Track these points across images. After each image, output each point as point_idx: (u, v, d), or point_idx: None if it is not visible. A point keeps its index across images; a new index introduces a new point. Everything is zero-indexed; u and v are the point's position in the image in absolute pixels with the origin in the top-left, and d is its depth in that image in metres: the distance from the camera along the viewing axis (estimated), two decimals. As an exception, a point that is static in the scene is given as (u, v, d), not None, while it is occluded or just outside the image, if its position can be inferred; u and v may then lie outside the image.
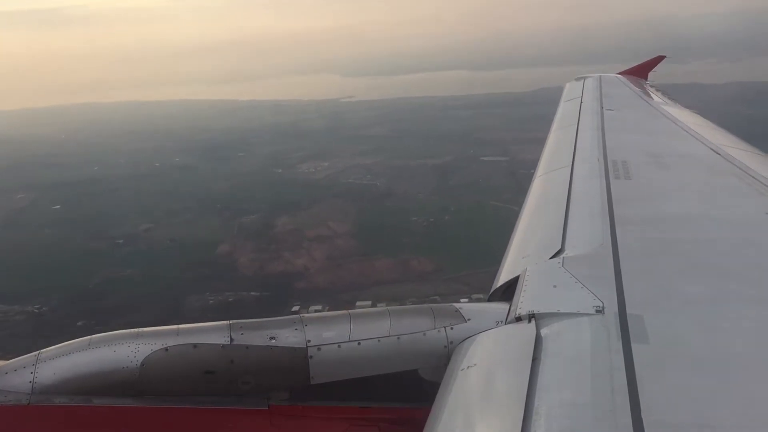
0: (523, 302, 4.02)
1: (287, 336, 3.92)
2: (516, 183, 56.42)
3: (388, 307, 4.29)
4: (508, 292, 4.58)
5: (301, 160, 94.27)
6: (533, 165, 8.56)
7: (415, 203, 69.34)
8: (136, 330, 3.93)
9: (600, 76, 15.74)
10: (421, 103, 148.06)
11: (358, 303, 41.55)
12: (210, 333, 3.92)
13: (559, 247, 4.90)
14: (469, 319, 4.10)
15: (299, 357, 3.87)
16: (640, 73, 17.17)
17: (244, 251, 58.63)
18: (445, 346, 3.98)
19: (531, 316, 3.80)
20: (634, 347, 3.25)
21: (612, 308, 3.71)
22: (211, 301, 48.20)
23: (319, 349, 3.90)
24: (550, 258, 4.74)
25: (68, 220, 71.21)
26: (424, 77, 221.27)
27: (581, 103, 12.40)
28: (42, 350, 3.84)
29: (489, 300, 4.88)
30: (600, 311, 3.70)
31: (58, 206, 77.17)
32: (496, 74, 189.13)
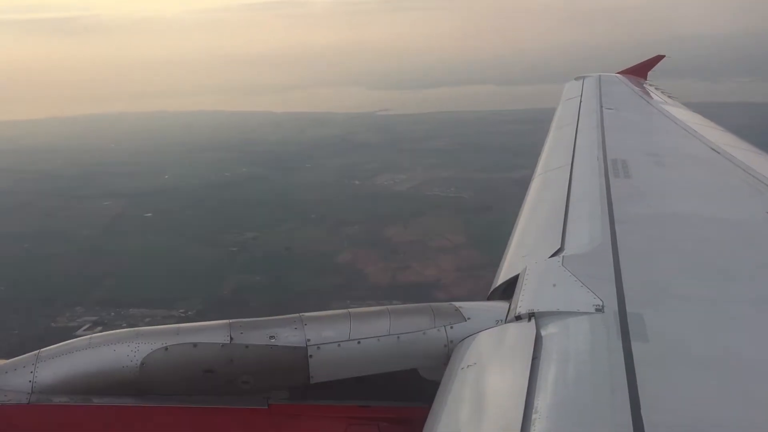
0: (523, 301, 4.00)
1: (287, 335, 3.93)
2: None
3: (388, 306, 4.27)
4: (507, 291, 4.56)
5: (374, 173, 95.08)
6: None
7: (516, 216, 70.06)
8: (135, 329, 3.99)
9: (599, 76, 15.68)
10: (464, 117, 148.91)
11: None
12: (210, 332, 3.95)
13: (558, 246, 4.89)
14: (468, 318, 4.08)
15: (299, 356, 3.88)
16: (639, 72, 17.23)
17: (368, 261, 59.36)
18: (444, 345, 3.98)
19: (531, 315, 3.79)
20: (634, 346, 3.25)
21: (612, 307, 3.70)
22: (360, 310, 48.80)
23: (318, 348, 3.90)
24: (550, 257, 4.70)
25: (166, 228, 71.77)
26: (451, 91, 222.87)
27: (581, 102, 12.37)
28: (41, 349, 3.86)
29: (488, 299, 4.86)
30: (600, 310, 3.69)
31: (149, 214, 77.87)
32: (527, 89, 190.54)
